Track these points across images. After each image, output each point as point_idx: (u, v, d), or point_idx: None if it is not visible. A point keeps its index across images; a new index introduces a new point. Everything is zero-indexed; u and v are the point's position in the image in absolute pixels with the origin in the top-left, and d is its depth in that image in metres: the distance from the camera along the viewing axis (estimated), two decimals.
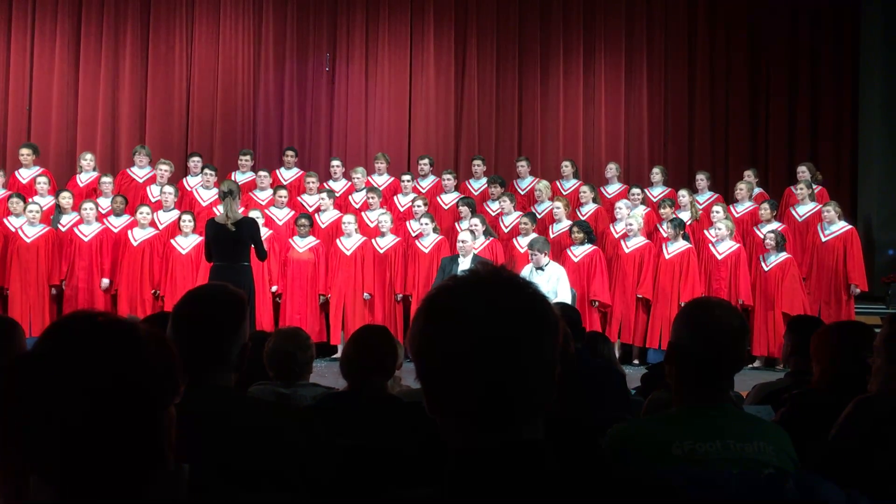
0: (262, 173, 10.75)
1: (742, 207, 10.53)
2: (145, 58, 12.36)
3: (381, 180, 11.08)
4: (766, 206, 10.08)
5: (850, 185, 12.65)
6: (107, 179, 10.29)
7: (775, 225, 9.94)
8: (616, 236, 9.94)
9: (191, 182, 10.73)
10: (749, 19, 12.93)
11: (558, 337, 1.28)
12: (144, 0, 12.37)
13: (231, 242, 7.52)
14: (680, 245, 9.60)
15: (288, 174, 11.24)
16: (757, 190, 10.97)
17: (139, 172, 10.78)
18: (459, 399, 1.23)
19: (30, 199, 9.73)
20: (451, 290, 1.27)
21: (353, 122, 12.67)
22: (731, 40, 12.95)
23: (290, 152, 11.38)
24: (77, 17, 12.24)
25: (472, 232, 9.17)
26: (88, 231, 9.50)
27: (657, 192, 10.97)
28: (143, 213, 9.53)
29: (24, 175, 10.46)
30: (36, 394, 1.20)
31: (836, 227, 9.86)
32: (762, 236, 9.71)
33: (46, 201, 9.86)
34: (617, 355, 8.05)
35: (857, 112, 12.72)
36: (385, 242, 9.86)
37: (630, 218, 9.75)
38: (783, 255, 9.56)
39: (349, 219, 9.83)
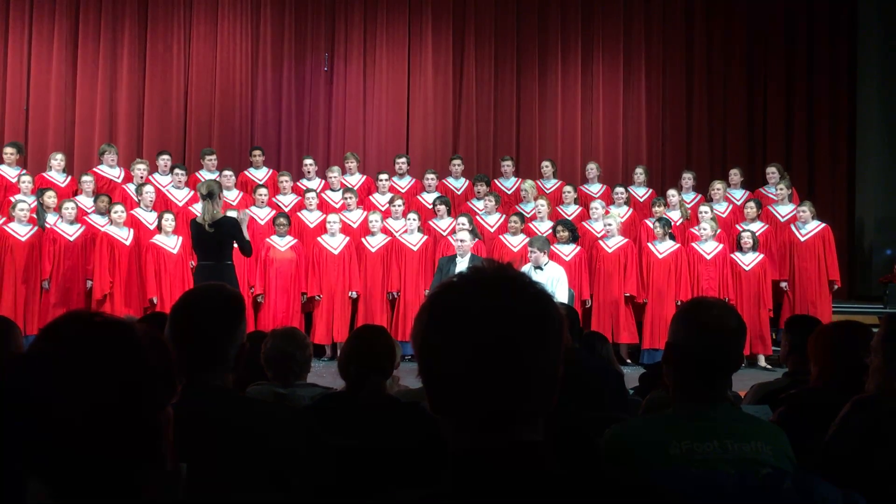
0: (226, 173, 10.67)
1: (722, 207, 10.51)
2: (143, 58, 12.35)
3: (353, 180, 11.08)
4: (751, 204, 10.12)
5: (847, 186, 12.67)
6: (87, 178, 10.25)
7: (759, 224, 9.98)
8: (597, 235, 9.96)
9: (161, 181, 10.63)
10: (746, 20, 12.94)
11: (562, 337, 1.26)
12: (142, 0, 12.37)
13: (212, 242, 7.60)
14: (669, 245, 9.64)
15: (259, 174, 11.19)
16: (744, 191, 10.96)
17: (112, 172, 10.71)
18: (461, 398, 1.22)
19: (13, 198, 9.71)
20: (455, 287, 1.26)
21: (351, 121, 12.67)
22: (728, 41, 12.97)
23: (256, 152, 11.31)
24: (75, 18, 12.23)
25: (469, 231, 9.18)
26: (72, 231, 9.46)
27: (641, 192, 11.03)
28: (118, 211, 9.49)
29: (12, 174, 10.40)
30: (32, 394, 1.19)
31: (812, 225, 9.98)
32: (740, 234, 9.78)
33: (31, 200, 9.82)
34: None
35: (854, 112, 12.74)
36: (376, 241, 9.88)
37: (609, 217, 9.79)
38: (760, 255, 9.66)
39: (334, 218, 9.85)
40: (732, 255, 9.67)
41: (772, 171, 10.82)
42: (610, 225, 9.74)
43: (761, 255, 9.67)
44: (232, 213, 8.95)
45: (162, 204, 10.22)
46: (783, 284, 9.90)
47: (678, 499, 1.40)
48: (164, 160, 10.77)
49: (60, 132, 12.09)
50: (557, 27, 12.90)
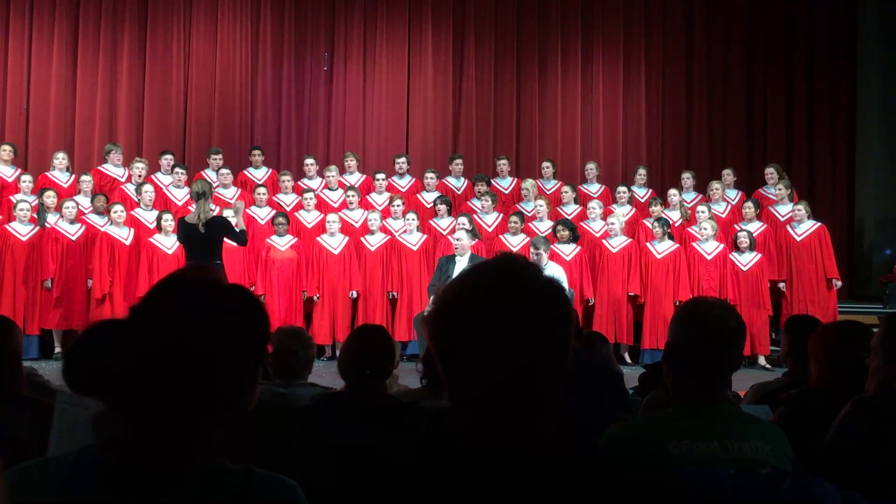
0: (223, 171, 10.67)
1: (720, 207, 10.53)
2: (143, 58, 12.36)
3: (353, 179, 11.08)
4: (749, 204, 10.14)
5: (847, 186, 12.68)
6: (86, 178, 10.23)
7: (757, 224, 10.00)
8: (597, 235, 9.96)
9: (163, 180, 10.65)
10: (746, 20, 12.95)
11: (571, 329, 1.29)
12: (142, 0, 12.37)
13: (203, 242, 7.70)
14: (668, 245, 9.64)
15: (258, 173, 11.19)
16: (737, 191, 10.99)
17: (116, 171, 10.72)
18: (471, 387, 1.26)
19: (13, 198, 9.70)
20: (470, 278, 1.30)
21: (350, 121, 12.67)
22: (727, 41, 12.97)
23: (256, 151, 11.32)
24: (74, 18, 12.23)
25: (468, 231, 9.19)
26: (73, 230, 9.45)
27: (642, 192, 11.04)
28: (118, 211, 9.48)
29: (8, 173, 10.38)
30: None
31: (807, 225, 9.98)
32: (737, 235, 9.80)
33: (31, 200, 9.79)
34: None
35: (853, 112, 12.75)
36: (375, 241, 9.88)
37: (612, 217, 9.79)
38: (757, 255, 9.66)
39: (333, 218, 9.85)
40: (731, 256, 9.68)
41: (770, 172, 10.85)
42: (612, 224, 9.73)
43: (759, 256, 9.68)
44: (228, 211, 8.98)
45: (162, 203, 10.21)
46: (781, 285, 9.91)
47: (678, 497, 1.41)
48: (167, 160, 10.80)
49: (60, 132, 12.09)
50: (557, 27, 12.90)
